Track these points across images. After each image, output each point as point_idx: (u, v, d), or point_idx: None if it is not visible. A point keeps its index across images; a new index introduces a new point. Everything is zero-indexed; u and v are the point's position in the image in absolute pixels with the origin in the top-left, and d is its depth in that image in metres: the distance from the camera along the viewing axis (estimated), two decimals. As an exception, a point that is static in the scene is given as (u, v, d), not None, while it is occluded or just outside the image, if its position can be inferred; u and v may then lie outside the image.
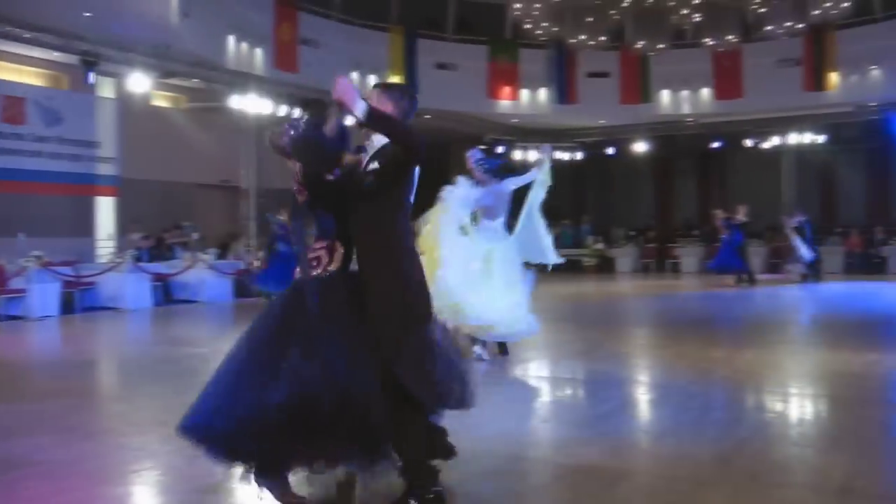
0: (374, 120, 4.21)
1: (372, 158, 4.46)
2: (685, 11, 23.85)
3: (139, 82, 17.76)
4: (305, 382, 4.13)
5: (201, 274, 17.84)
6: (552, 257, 9.50)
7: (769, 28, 23.92)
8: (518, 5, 23.49)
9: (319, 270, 4.43)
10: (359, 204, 4.40)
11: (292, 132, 4.42)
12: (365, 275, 4.40)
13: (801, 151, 26.35)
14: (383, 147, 4.42)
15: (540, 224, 9.42)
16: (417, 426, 4.41)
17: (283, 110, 19.97)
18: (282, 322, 4.36)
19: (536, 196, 9.40)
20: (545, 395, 7.97)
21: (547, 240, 9.49)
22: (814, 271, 21.52)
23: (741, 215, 20.87)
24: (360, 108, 4.11)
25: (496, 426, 6.33)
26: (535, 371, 9.13)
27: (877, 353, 9.51)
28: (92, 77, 17.30)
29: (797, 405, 7.24)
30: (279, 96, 20.13)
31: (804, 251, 21.22)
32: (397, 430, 4.27)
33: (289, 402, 4.09)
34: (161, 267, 17.72)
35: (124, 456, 5.60)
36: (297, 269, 4.50)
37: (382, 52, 22.54)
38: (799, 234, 21.37)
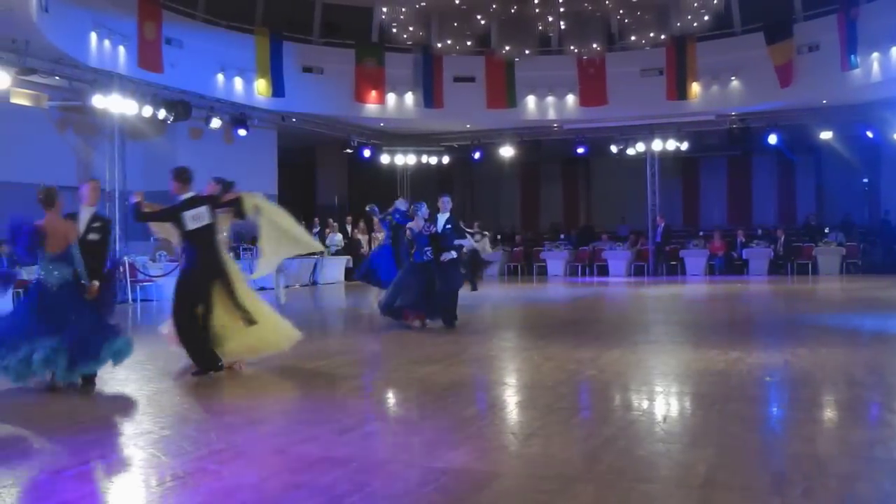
0: None
1: None
2: (551, 19, 24.28)
3: (-4, 79, 16.79)
4: None
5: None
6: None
7: (633, 38, 24.61)
8: (385, 9, 23.46)
9: None
10: None
11: None
12: None
13: (664, 158, 27.11)
14: None
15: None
16: None
17: (147, 111, 19.34)
18: None
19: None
20: (413, 399, 7.89)
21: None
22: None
23: None
24: None
25: (364, 430, 6.24)
26: (402, 375, 9.04)
27: (738, 351, 9.77)
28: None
29: (662, 403, 7.35)
30: (143, 96, 19.47)
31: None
32: None
33: None
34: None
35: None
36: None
37: (248, 54, 22.10)
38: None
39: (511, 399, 7.77)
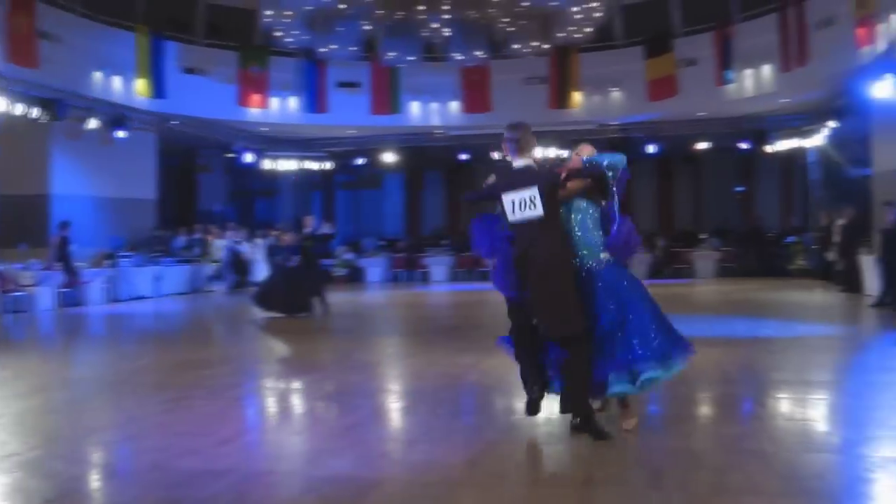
0: None
1: None
2: (435, 26, 24.45)
3: None
4: None
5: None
6: None
7: (516, 46, 24.94)
8: (269, 12, 23.18)
9: None
10: None
11: None
12: None
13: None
14: None
15: None
16: None
17: (19, 108, 18.47)
18: None
19: None
20: (295, 408, 7.79)
21: None
22: None
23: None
24: None
25: (245, 440, 6.13)
26: (284, 383, 8.93)
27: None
28: None
29: (544, 405, 7.40)
30: (17, 94, 18.58)
31: None
32: None
33: None
34: None
35: None
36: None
37: (128, 52, 21.38)
38: None
39: (394, 405, 7.75)
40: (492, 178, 6.26)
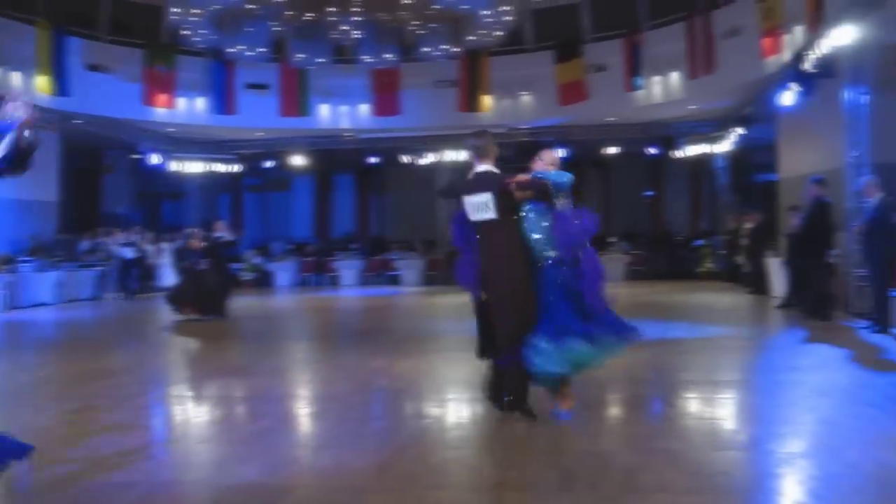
0: None
1: None
2: (345, 28, 24.31)
3: None
4: None
5: None
6: None
7: (427, 49, 24.94)
8: (176, 10, 22.73)
9: None
10: None
11: None
12: None
13: (456, 169, 27.42)
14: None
15: None
16: None
17: None
18: None
19: None
20: (202, 415, 7.60)
21: None
22: None
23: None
24: None
25: (151, 450, 5.98)
26: (191, 390, 8.72)
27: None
28: None
29: (454, 410, 7.41)
30: None
31: None
32: None
33: None
34: None
35: None
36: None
37: (28, 47, 20.67)
38: None
39: (303, 411, 7.66)
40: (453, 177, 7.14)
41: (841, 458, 5.36)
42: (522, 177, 6.55)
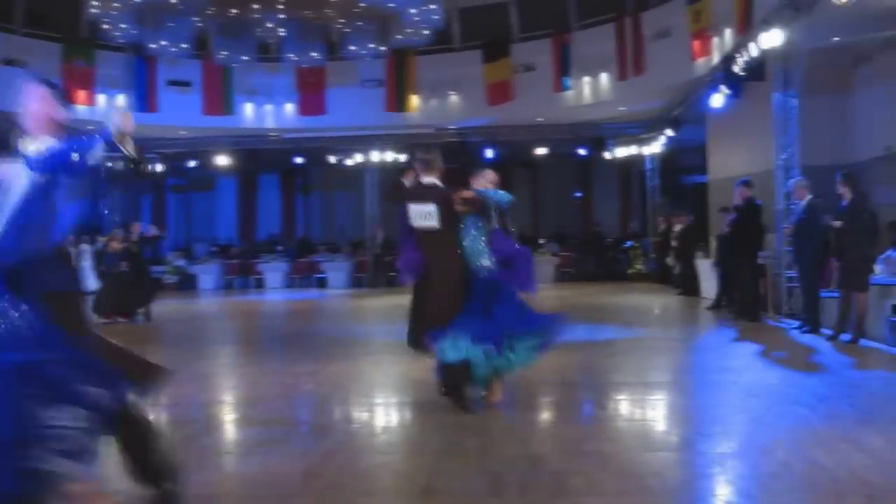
0: None
1: None
2: (270, 25, 23.95)
3: None
4: None
5: None
6: None
7: (353, 48, 24.71)
8: (95, 3, 22.13)
9: None
10: None
11: None
12: None
13: (384, 169, 27.20)
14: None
15: None
16: None
17: None
18: None
19: None
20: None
21: None
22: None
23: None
24: None
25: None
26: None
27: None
28: None
29: (382, 414, 7.30)
30: None
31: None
32: None
33: None
34: None
35: None
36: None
37: (-65, 38, 19.91)
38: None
39: (227, 417, 7.47)
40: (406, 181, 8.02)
41: (772, 457, 5.34)
42: (467, 192, 7.01)
